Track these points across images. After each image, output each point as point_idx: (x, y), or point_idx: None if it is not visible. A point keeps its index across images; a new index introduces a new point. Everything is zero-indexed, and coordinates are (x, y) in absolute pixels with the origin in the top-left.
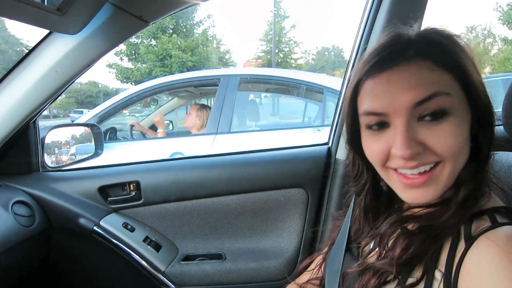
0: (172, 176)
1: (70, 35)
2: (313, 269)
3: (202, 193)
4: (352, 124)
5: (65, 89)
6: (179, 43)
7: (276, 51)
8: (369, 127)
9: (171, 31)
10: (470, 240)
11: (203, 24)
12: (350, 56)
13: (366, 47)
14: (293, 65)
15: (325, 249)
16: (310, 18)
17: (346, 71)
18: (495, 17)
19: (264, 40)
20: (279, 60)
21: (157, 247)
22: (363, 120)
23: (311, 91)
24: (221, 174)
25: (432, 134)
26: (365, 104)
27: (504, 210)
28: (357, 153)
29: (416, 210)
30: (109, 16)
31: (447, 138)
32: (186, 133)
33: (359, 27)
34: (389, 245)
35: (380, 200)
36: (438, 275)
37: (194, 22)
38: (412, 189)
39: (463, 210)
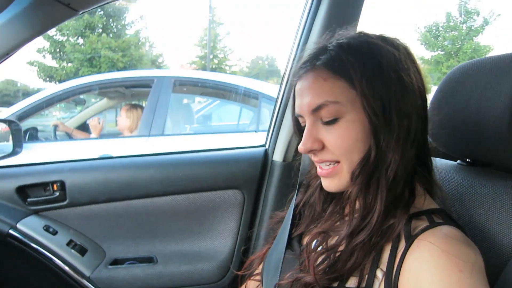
0: (101, 175)
1: None
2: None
3: (133, 193)
4: (296, 122)
5: None
6: (109, 43)
7: (211, 57)
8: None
9: (100, 30)
10: (410, 239)
11: (135, 25)
12: (287, 63)
13: (302, 55)
14: (228, 71)
15: (263, 249)
16: (245, 27)
17: (283, 78)
18: (415, 38)
19: (199, 45)
20: (214, 66)
21: (82, 251)
22: (299, 121)
23: (247, 96)
24: (155, 174)
25: (328, 135)
26: (294, 109)
27: (439, 211)
28: None
29: (349, 217)
30: (32, 1)
31: (338, 139)
32: (116, 135)
33: (295, 35)
34: (325, 248)
35: (325, 196)
36: (379, 274)
37: (126, 23)
38: (322, 178)
39: (390, 215)
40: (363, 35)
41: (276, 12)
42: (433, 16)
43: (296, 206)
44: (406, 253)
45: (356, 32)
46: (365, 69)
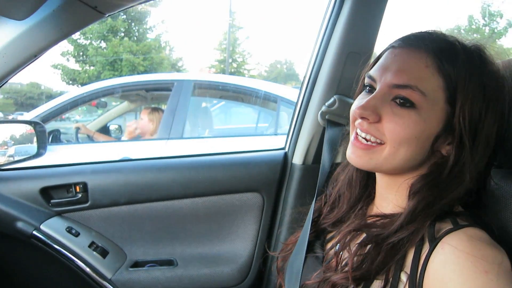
0: (122, 178)
1: (17, 21)
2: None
3: (154, 196)
4: (362, 84)
5: (7, 80)
6: (130, 46)
7: (230, 61)
8: (365, 86)
9: (122, 34)
10: (434, 242)
11: (156, 29)
12: (308, 67)
13: (321, 65)
14: (246, 75)
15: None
16: (264, 31)
17: (303, 82)
18: None
19: (218, 49)
20: (233, 70)
21: (103, 253)
22: (365, 81)
23: (266, 100)
24: (175, 176)
25: (392, 115)
26: (373, 68)
27: (464, 213)
28: None
29: (374, 218)
30: (61, 4)
31: (399, 125)
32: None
33: (316, 39)
34: (351, 250)
35: (360, 180)
36: (403, 277)
37: (147, 27)
38: (353, 147)
39: (415, 221)
40: (483, 51)
41: (295, 17)
42: (455, 19)
43: (320, 204)
44: (430, 256)
45: (478, 43)
46: (471, 83)
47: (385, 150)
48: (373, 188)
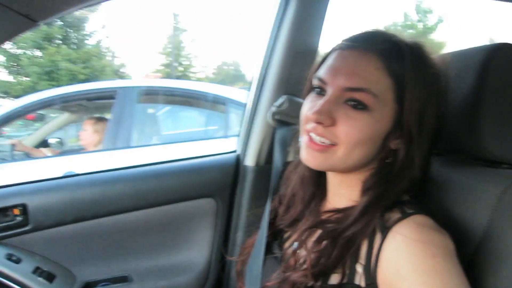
0: (66, 195)
1: None
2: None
3: (102, 211)
4: (307, 88)
5: None
6: (69, 54)
7: (176, 64)
8: (313, 88)
9: (59, 41)
10: (385, 231)
11: (96, 35)
12: (256, 69)
13: (269, 65)
14: (193, 78)
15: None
16: (209, 33)
17: (252, 83)
18: None
19: (163, 53)
20: (179, 74)
21: (50, 278)
22: (313, 83)
23: (214, 103)
24: (123, 189)
25: (346, 118)
26: (321, 70)
27: (410, 202)
28: None
29: (328, 214)
30: None
31: (353, 127)
32: (78, 151)
33: (262, 46)
34: (307, 247)
35: (312, 178)
36: (359, 268)
37: (86, 33)
38: (308, 149)
39: (367, 214)
40: (424, 48)
41: (240, 18)
42: (392, 16)
43: (274, 204)
44: (382, 245)
45: (417, 40)
46: (417, 81)
47: (339, 151)
48: (325, 185)
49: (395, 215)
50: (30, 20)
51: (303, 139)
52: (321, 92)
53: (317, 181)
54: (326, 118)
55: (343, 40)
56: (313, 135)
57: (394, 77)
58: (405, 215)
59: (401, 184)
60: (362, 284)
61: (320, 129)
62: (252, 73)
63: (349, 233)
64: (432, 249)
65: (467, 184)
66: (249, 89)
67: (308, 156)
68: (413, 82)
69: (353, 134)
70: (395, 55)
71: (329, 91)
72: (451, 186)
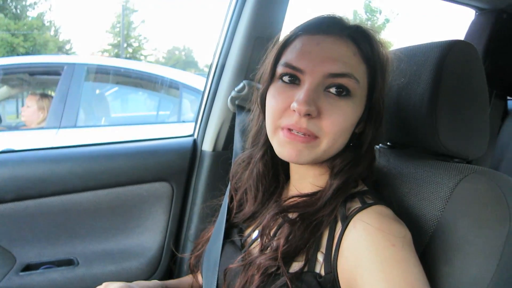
0: (7, 171)
1: None
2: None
3: (48, 190)
4: (269, 75)
5: None
6: (7, 25)
7: (125, 45)
8: (282, 76)
9: None
10: (346, 221)
11: (38, 7)
12: (214, 55)
13: (229, 50)
14: (143, 61)
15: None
16: (161, 15)
17: (210, 68)
18: None
19: (111, 32)
20: (128, 56)
21: None
22: (279, 70)
23: (167, 87)
24: (72, 168)
25: (330, 107)
26: (289, 56)
27: (369, 192)
28: (262, 109)
29: (295, 199)
30: None
31: (340, 116)
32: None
33: (222, 27)
34: (271, 235)
35: (268, 173)
36: (320, 257)
37: (27, 3)
38: (291, 143)
39: (336, 198)
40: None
41: (193, 2)
42: (343, 13)
43: (231, 195)
44: (343, 234)
45: (373, 27)
46: (382, 65)
47: (322, 143)
48: (285, 176)
49: (356, 204)
50: None
51: (277, 136)
52: (293, 81)
53: (273, 176)
54: (314, 109)
55: (307, 24)
56: (294, 131)
57: (367, 62)
58: (365, 205)
59: (362, 166)
60: (322, 272)
61: (304, 123)
62: (207, 59)
63: (319, 216)
64: (391, 238)
65: (421, 177)
66: (203, 75)
67: (292, 152)
68: (382, 67)
69: (339, 123)
70: (365, 40)
71: (308, 79)
72: (406, 178)
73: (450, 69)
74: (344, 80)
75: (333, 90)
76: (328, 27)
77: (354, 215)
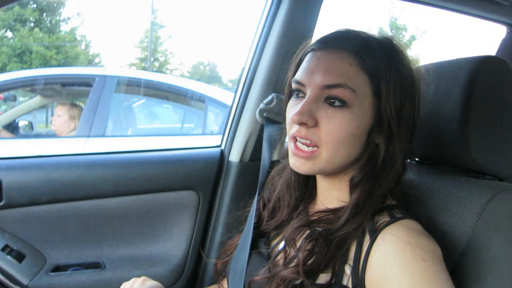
0: (44, 174)
1: None
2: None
3: (80, 194)
4: (287, 90)
5: None
6: (42, 38)
7: (152, 60)
8: (292, 91)
9: (32, 24)
10: (374, 234)
11: (71, 21)
12: (243, 70)
13: (258, 63)
14: (170, 75)
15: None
16: (187, 31)
17: (239, 81)
18: None
19: (139, 47)
20: (154, 69)
21: (19, 257)
22: (292, 86)
23: (193, 99)
24: (105, 174)
25: (328, 117)
26: (298, 73)
27: (397, 206)
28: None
29: (319, 214)
30: None
31: (336, 126)
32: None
33: (251, 42)
34: (296, 246)
35: (301, 181)
36: (347, 269)
37: (61, 18)
38: (295, 157)
39: (359, 214)
40: (396, 40)
41: (218, 18)
42: (367, 30)
43: (259, 206)
44: (371, 248)
45: (386, 35)
46: (391, 74)
47: (323, 153)
48: (313, 187)
49: (384, 218)
50: None
51: (290, 146)
52: (301, 95)
53: (305, 185)
54: (308, 119)
55: (315, 42)
56: (298, 139)
57: (369, 71)
58: (394, 219)
59: (386, 180)
60: (350, 285)
61: (303, 131)
62: (231, 73)
63: (341, 233)
64: (421, 253)
65: (452, 193)
66: (227, 89)
67: (297, 163)
68: (387, 76)
69: (335, 133)
70: (366, 51)
71: (308, 91)
72: (436, 194)
73: (482, 84)
74: (338, 91)
75: (330, 101)
76: (328, 42)
77: (383, 228)
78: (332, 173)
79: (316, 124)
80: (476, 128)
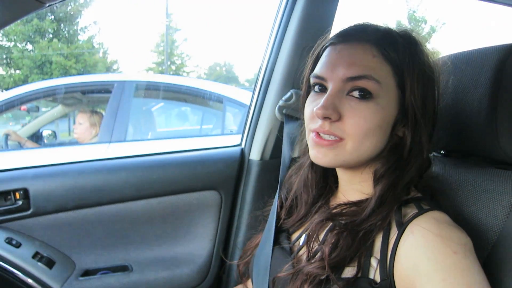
0: (69, 181)
1: None
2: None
3: (105, 199)
4: (305, 86)
5: None
6: (60, 49)
7: (168, 63)
8: (313, 86)
9: (51, 35)
10: (402, 227)
11: (88, 30)
12: (261, 68)
13: (276, 60)
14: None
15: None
16: (202, 33)
17: (257, 80)
18: None
19: (155, 51)
20: (171, 73)
21: (49, 263)
22: (311, 81)
23: (210, 100)
24: (127, 177)
25: (350, 110)
26: (317, 67)
27: (424, 198)
28: (304, 117)
29: (342, 207)
30: None
31: (361, 118)
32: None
33: (268, 40)
34: (319, 240)
35: (318, 178)
36: (374, 262)
37: (78, 28)
38: (317, 147)
39: (384, 206)
40: (415, 33)
41: (233, 19)
42: (385, 23)
43: (280, 202)
44: (399, 240)
45: (406, 28)
46: (414, 65)
47: (348, 145)
48: (333, 183)
49: (412, 210)
50: (37, 1)
51: (309, 138)
52: (322, 90)
53: (322, 182)
54: (332, 112)
55: (333, 36)
56: (321, 134)
57: (392, 63)
58: (422, 211)
59: (410, 171)
60: (377, 278)
61: (327, 126)
62: (248, 73)
63: (366, 225)
64: (452, 245)
65: (481, 185)
66: (244, 89)
67: (318, 154)
68: (410, 67)
69: (361, 125)
70: (388, 42)
71: (330, 85)
72: (464, 186)
73: (510, 73)
74: (363, 82)
75: (354, 93)
76: (348, 35)
77: (411, 220)
78: (354, 166)
79: (340, 118)
80: (505, 118)
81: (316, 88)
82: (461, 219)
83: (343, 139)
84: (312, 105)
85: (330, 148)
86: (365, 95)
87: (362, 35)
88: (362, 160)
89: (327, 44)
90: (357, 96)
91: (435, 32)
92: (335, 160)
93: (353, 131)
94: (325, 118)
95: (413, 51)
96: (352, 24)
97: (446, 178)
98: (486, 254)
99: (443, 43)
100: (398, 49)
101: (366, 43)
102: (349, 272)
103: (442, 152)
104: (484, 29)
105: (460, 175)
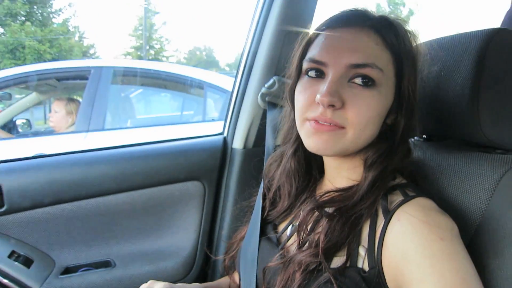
0: (45, 176)
1: None
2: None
3: (84, 193)
4: (296, 71)
5: None
6: (34, 32)
7: (147, 48)
8: (307, 72)
9: (23, 18)
10: (389, 214)
11: (63, 13)
12: (242, 54)
13: (258, 46)
14: (166, 62)
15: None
16: (181, 17)
17: (239, 66)
18: None
19: (134, 35)
20: (150, 58)
21: (27, 262)
22: (305, 65)
23: (191, 86)
24: (106, 170)
25: (353, 97)
26: (313, 51)
27: (410, 185)
28: (291, 105)
29: (331, 194)
30: None
31: (364, 106)
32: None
33: (250, 26)
34: (308, 230)
35: (301, 168)
36: (362, 251)
37: (53, 10)
38: (317, 133)
39: (374, 190)
40: (405, 20)
41: (214, 2)
42: (366, 6)
43: (264, 193)
44: (386, 228)
45: (398, 17)
46: (409, 54)
47: (348, 133)
48: (319, 172)
49: (398, 197)
50: None
51: (304, 127)
52: (319, 75)
53: (306, 172)
54: (337, 100)
55: (330, 19)
56: (319, 121)
57: (392, 51)
58: (408, 198)
59: (397, 157)
60: (366, 267)
61: (329, 114)
62: (228, 58)
63: (357, 209)
64: (439, 231)
65: (462, 169)
66: (225, 74)
67: (318, 141)
68: (408, 55)
69: (364, 114)
70: (390, 30)
71: (331, 71)
72: (446, 170)
73: (493, 57)
74: (367, 70)
75: (357, 80)
76: (349, 20)
77: (397, 208)
78: (345, 154)
79: (342, 105)
80: (487, 102)
81: (312, 73)
82: (445, 204)
83: (344, 128)
84: (309, 92)
85: (331, 133)
86: (368, 82)
87: (363, 20)
88: (360, 148)
89: (323, 28)
90: (360, 83)
91: (413, 15)
92: (333, 147)
93: (355, 120)
94: (329, 106)
95: (408, 38)
96: (348, 9)
97: (427, 162)
98: (470, 237)
99: (423, 27)
100: (398, 37)
101: (369, 29)
102: (338, 261)
103: (424, 136)
104: (463, 15)
105: (442, 159)
